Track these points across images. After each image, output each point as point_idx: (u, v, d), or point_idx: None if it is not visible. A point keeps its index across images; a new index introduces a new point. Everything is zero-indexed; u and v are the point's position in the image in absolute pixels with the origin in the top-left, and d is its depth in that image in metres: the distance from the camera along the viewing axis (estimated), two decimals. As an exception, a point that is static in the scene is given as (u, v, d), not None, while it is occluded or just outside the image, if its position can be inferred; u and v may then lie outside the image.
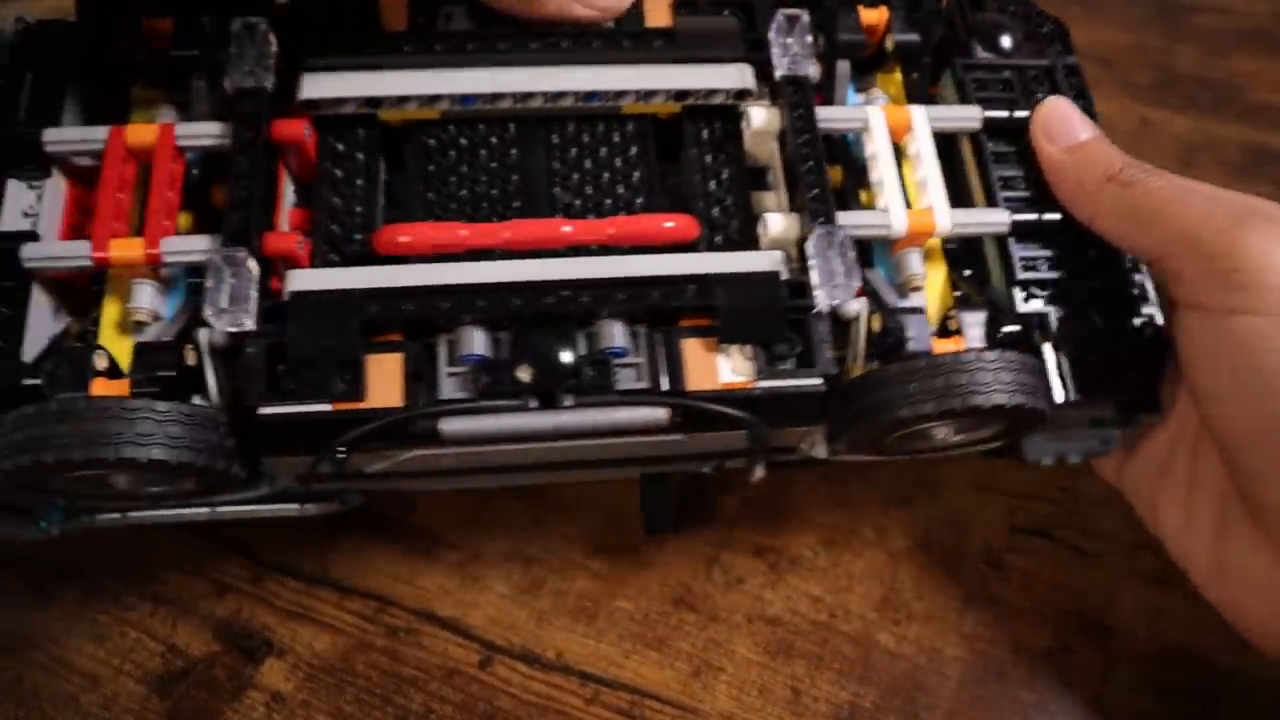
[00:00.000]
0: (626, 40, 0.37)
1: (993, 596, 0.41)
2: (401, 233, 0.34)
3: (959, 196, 0.39)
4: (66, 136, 0.35)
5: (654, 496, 0.40)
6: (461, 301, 0.32)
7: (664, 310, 0.33)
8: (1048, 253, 0.37)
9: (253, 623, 0.40)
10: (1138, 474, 0.39)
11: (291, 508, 0.38)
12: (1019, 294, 0.36)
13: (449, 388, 0.33)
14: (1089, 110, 0.38)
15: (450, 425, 0.32)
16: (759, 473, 0.39)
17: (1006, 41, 0.40)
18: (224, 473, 0.31)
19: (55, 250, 0.33)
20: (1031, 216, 0.36)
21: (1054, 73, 0.39)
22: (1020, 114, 0.38)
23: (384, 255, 0.34)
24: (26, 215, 0.35)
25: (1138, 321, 0.36)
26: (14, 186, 0.35)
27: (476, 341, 0.33)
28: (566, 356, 0.32)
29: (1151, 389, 0.37)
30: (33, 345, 0.33)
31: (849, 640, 0.40)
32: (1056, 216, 0.36)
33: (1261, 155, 0.54)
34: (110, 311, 0.34)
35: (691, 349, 0.33)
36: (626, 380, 0.33)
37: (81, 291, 0.35)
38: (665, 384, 0.33)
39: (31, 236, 0.34)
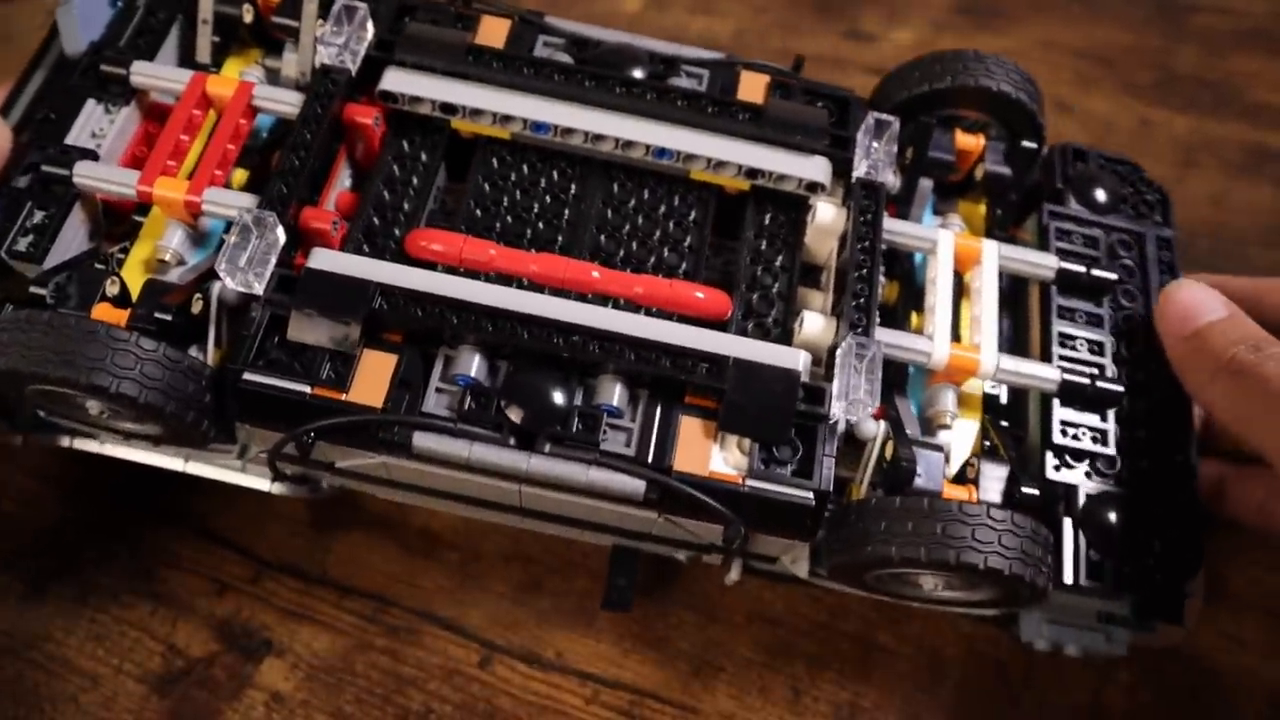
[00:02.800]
0: (713, 106, 0.36)
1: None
2: (433, 239, 0.33)
3: (1019, 346, 0.37)
4: (151, 72, 0.36)
5: (620, 573, 0.38)
6: (469, 320, 0.31)
7: (670, 381, 0.31)
8: (1096, 424, 0.34)
9: (252, 622, 0.39)
10: None
11: (261, 483, 0.37)
12: (1051, 459, 0.33)
13: (434, 403, 0.32)
14: (1170, 268, 0.36)
15: (423, 440, 0.31)
16: (734, 574, 0.37)
17: (1101, 197, 0.38)
18: (192, 426, 0.31)
19: (105, 174, 0.34)
20: (1084, 380, 0.34)
21: (1144, 241, 0.37)
22: (1098, 273, 0.36)
23: (411, 258, 0.34)
24: (94, 136, 0.35)
25: (1178, 523, 0.33)
26: (91, 107, 0.35)
27: (473, 364, 0.31)
28: (559, 401, 0.31)
29: (1178, 598, 0.33)
30: (56, 257, 0.33)
31: (849, 640, 0.39)
32: (1115, 387, 0.34)
33: (1262, 155, 0.52)
34: (141, 247, 0.34)
35: (688, 428, 0.32)
36: (614, 443, 0.31)
37: (125, 219, 0.36)
38: (652, 457, 0.31)
39: (91, 156, 0.34)
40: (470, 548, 0.41)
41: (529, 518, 0.35)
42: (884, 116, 0.36)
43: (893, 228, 0.35)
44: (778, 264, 0.36)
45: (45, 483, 0.42)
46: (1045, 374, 0.34)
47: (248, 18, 0.38)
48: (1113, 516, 0.32)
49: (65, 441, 0.37)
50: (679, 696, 0.38)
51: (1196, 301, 0.33)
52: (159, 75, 0.36)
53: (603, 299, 0.33)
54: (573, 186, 0.36)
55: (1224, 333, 0.31)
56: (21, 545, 0.40)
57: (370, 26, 0.36)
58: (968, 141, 0.38)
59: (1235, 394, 0.30)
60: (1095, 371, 0.34)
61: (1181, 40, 0.56)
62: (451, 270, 0.33)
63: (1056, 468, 0.33)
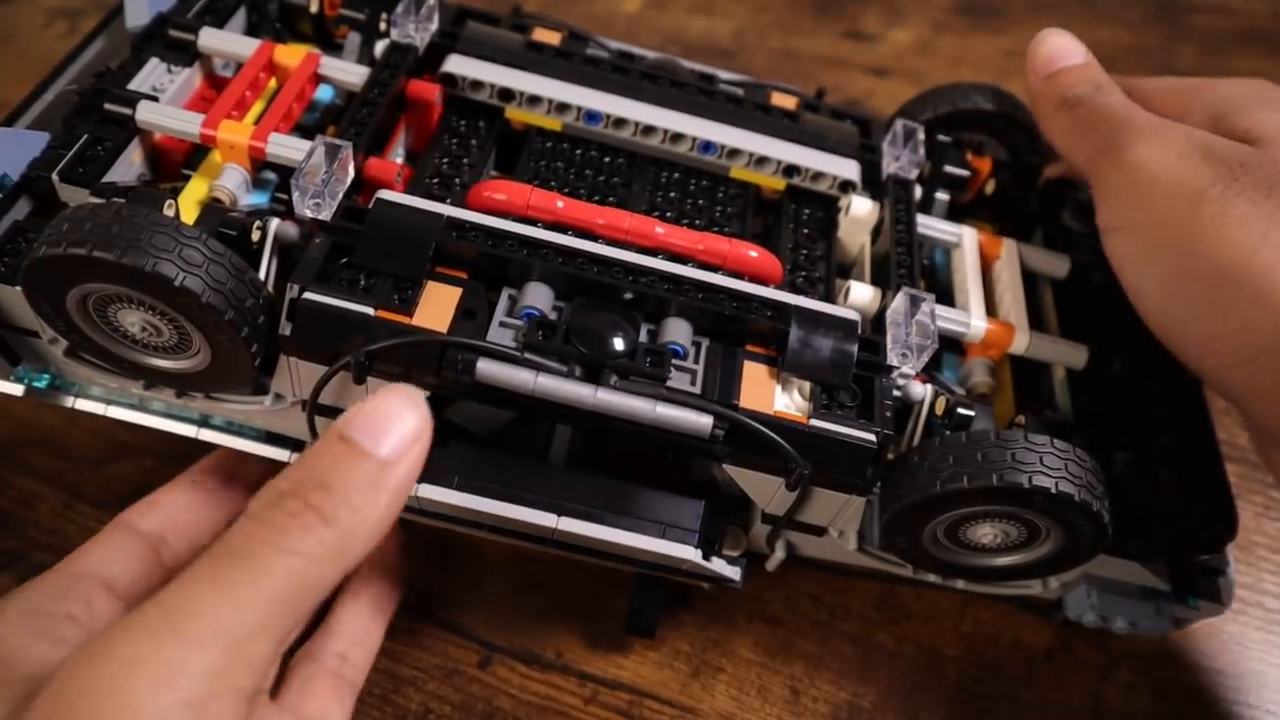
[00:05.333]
0: (756, 110, 0.39)
1: (991, 597, 0.39)
2: (498, 189, 0.34)
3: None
4: (219, 37, 0.37)
5: (644, 599, 0.37)
6: (539, 255, 0.32)
7: (735, 323, 0.32)
8: (1122, 399, 0.35)
9: (251, 622, 0.37)
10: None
11: (280, 453, 0.35)
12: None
13: (498, 335, 0.31)
14: None
15: (487, 367, 0.30)
16: (779, 555, 0.36)
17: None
18: (244, 344, 0.29)
19: (169, 114, 0.34)
20: (1110, 357, 0.36)
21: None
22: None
23: (475, 210, 0.34)
24: (155, 90, 0.36)
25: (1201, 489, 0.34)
26: (154, 64, 0.36)
27: (541, 297, 0.32)
28: (626, 338, 0.31)
29: (1212, 570, 0.34)
30: (108, 186, 0.32)
31: (848, 640, 0.39)
32: (1134, 361, 0.36)
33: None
34: (194, 186, 0.34)
35: (751, 371, 0.32)
36: (679, 382, 0.31)
37: (173, 174, 0.35)
38: (718, 396, 0.31)
39: (152, 99, 0.34)
40: (470, 547, 0.40)
41: (556, 548, 0.34)
42: (911, 123, 0.39)
43: (922, 221, 0.38)
44: (815, 253, 0.38)
45: (45, 483, 0.40)
46: (1074, 348, 0.36)
47: (313, 7, 0.39)
48: (1148, 478, 0.33)
49: (68, 401, 0.35)
50: (678, 697, 0.37)
51: (1061, 48, 0.36)
52: (226, 41, 0.37)
53: (662, 254, 0.34)
54: (618, 179, 0.38)
55: (1075, 74, 0.35)
56: (22, 546, 0.39)
57: (436, 18, 0.38)
58: (977, 161, 0.41)
59: (1070, 125, 0.34)
60: (1113, 345, 0.36)
61: (1181, 40, 0.57)
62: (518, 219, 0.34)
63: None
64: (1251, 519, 0.43)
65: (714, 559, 0.33)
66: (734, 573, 0.34)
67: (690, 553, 0.32)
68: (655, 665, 0.38)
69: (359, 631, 0.33)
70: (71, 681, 0.20)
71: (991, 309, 0.37)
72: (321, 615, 0.34)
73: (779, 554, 0.36)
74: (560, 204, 0.34)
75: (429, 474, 0.31)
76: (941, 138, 0.40)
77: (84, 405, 0.35)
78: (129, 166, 0.34)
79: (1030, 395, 0.38)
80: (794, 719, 0.37)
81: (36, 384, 0.35)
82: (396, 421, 0.25)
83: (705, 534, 0.33)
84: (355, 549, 0.24)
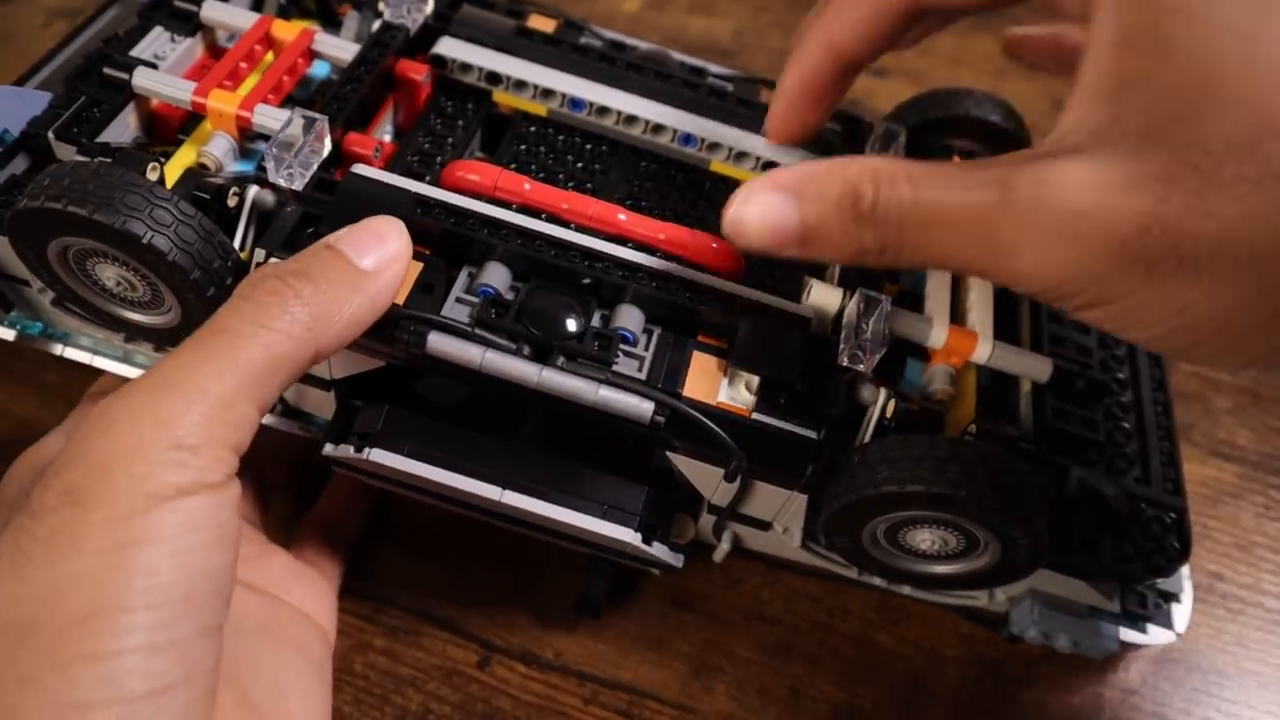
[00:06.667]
0: (740, 105, 0.39)
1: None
2: (470, 169, 0.35)
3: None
4: (222, 11, 0.38)
5: (594, 581, 0.37)
6: (499, 234, 0.33)
7: (687, 313, 0.32)
8: (1086, 415, 0.35)
9: (249, 622, 0.38)
10: None
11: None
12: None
13: (453, 310, 0.32)
14: None
15: (437, 341, 0.31)
16: (724, 546, 0.37)
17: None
18: (210, 304, 0.31)
19: (163, 80, 0.35)
20: (1075, 369, 0.35)
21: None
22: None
23: (448, 190, 0.35)
24: (156, 57, 0.37)
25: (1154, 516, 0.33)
26: (158, 31, 0.38)
27: (498, 276, 0.32)
28: (578, 321, 0.32)
29: (1163, 602, 0.33)
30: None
31: (848, 640, 0.39)
32: (1105, 378, 0.35)
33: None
34: (184, 153, 0.35)
35: (699, 363, 0.32)
36: (627, 367, 0.32)
37: (168, 138, 0.37)
38: (662, 384, 0.31)
39: (150, 65, 0.36)
40: (469, 547, 0.41)
41: (507, 523, 0.35)
42: (893, 125, 0.39)
43: (897, 225, 0.38)
44: (787, 251, 0.38)
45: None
46: (1038, 361, 0.35)
47: (317, -16, 0.41)
48: (1102, 496, 0.33)
49: (57, 350, 0.37)
50: (678, 697, 0.37)
51: (761, 215, 0.26)
52: (229, 13, 0.38)
53: (626, 242, 0.35)
54: (598, 166, 0.39)
55: (819, 221, 0.25)
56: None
57: (431, 1, 0.39)
58: (964, 168, 0.41)
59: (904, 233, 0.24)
60: (1085, 362, 0.36)
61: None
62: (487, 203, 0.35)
63: (1049, 451, 0.34)
64: (1251, 519, 0.43)
65: (655, 544, 0.33)
66: (675, 559, 0.34)
67: (629, 535, 0.33)
68: (655, 665, 0.38)
69: (346, 502, 0.39)
70: (89, 429, 0.24)
71: (961, 317, 0.37)
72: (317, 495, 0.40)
73: (724, 545, 0.36)
74: (527, 186, 0.35)
75: (383, 440, 0.33)
76: (928, 142, 0.40)
77: (72, 354, 0.37)
78: (124, 129, 0.35)
79: (997, 407, 0.37)
80: (794, 719, 0.37)
81: (29, 330, 0.37)
82: (381, 242, 0.29)
83: (648, 519, 0.33)
84: (327, 333, 0.27)
